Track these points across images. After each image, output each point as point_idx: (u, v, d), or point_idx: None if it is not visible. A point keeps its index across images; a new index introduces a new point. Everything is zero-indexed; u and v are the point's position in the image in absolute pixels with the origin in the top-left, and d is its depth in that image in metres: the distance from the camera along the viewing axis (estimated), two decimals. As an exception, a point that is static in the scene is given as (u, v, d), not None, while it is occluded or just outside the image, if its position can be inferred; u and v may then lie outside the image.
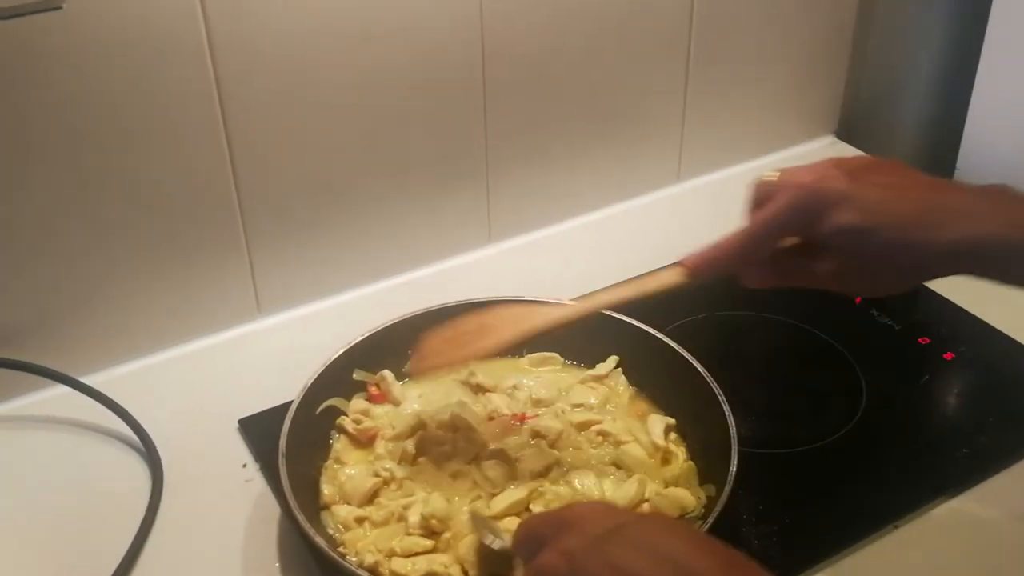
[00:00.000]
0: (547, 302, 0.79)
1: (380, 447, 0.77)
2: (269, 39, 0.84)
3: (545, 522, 0.55)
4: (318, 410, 0.78)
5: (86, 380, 0.85)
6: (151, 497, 0.77)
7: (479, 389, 0.82)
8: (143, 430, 0.82)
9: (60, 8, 0.64)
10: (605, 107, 1.06)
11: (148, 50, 0.79)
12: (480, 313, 0.73)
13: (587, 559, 0.49)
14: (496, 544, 0.65)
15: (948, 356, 0.91)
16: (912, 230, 0.59)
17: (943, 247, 0.59)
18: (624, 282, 0.70)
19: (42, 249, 0.82)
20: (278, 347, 0.93)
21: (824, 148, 1.25)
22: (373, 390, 0.82)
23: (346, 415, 0.79)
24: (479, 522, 0.68)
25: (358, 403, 0.80)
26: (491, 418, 0.78)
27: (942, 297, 0.96)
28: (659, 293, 0.67)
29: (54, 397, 0.86)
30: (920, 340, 0.92)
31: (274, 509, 0.76)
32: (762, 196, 0.63)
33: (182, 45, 0.80)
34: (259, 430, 0.82)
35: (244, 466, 0.81)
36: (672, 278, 0.66)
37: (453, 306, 0.84)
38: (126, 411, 0.83)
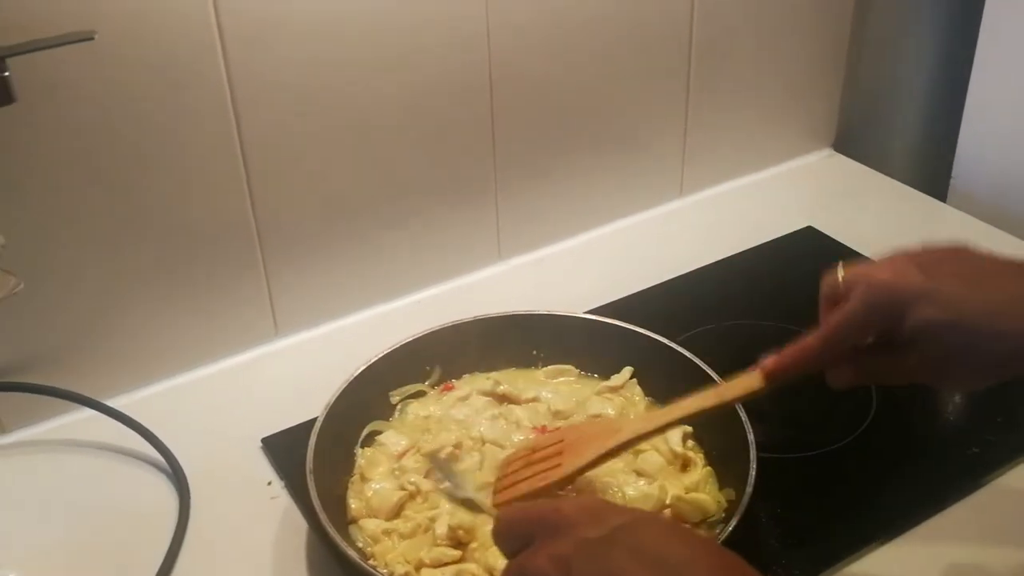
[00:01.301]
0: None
1: (408, 459, 0.78)
2: (284, 68, 0.85)
3: (531, 519, 0.50)
4: (361, 435, 0.80)
5: (110, 403, 0.86)
6: (179, 516, 0.78)
7: (504, 399, 0.83)
8: (168, 451, 0.83)
9: (92, 39, 0.66)
10: (609, 126, 1.08)
11: (168, 79, 0.81)
12: (558, 432, 0.75)
13: (583, 569, 0.45)
14: (458, 494, 0.68)
15: (954, 359, 0.93)
16: (999, 320, 0.57)
17: None
18: (704, 392, 0.70)
19: (65, 275, 0.84)
20: (296, 367, 0.95)
21: (822, 160, 1.27)
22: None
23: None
24: (439, 464, 0.71)
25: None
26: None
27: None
28: (739, 400, 0.69)
29: (80, 420, 0.87)
30: (926, 344, 0.94)
31: (301, 525, 0.77)
32: (834, 294, 0.62)
33: (201, 74, 0.82)
34: (282, 448, 0.84)
35: (269, 484, 0.82)
36: (752, 383, 0.66)
37: (470, 322, 0.86)
38: (151, 432, 0.84)
